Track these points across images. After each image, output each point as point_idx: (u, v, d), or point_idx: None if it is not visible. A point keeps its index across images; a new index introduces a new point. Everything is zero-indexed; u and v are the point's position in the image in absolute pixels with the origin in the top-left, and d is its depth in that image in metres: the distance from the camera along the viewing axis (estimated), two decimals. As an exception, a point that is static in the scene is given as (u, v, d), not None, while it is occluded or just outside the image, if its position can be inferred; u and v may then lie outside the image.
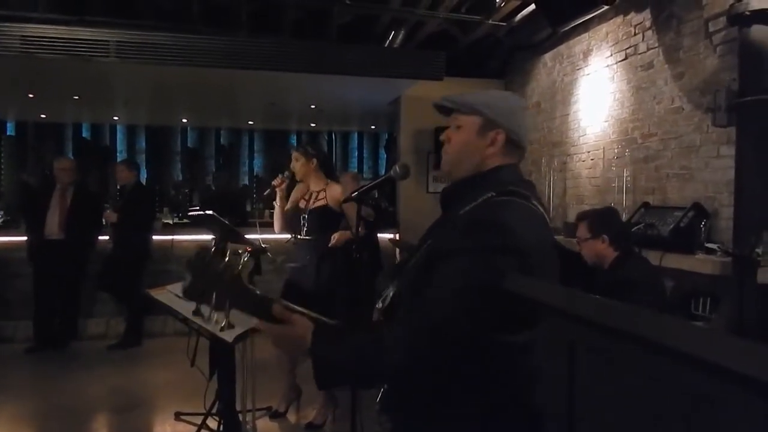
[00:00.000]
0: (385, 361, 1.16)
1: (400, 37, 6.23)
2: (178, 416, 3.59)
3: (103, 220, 5.49)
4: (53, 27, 4.74)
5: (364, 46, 5.88)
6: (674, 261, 3.42)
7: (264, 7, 5.72)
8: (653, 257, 3.41)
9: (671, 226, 3.54)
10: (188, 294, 1.32)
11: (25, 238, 5.34)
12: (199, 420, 3.22)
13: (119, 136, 11.46)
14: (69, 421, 3.75)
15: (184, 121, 10.56)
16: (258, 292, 1.26)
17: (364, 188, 1.93)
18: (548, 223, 1.35)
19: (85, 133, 11.43)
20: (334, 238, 3.45)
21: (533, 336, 1.22)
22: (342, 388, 3.44)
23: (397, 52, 5.99)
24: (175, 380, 4.28)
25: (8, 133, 10.94)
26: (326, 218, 3.51)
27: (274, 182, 3.53)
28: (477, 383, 1.22)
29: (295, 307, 1.26)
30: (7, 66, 5.20)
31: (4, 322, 5.46)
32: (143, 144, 11.51)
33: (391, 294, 1.38)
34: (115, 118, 10.23)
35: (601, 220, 2.77)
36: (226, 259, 3.11)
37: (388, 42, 6.25)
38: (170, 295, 1.74)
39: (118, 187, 5.90)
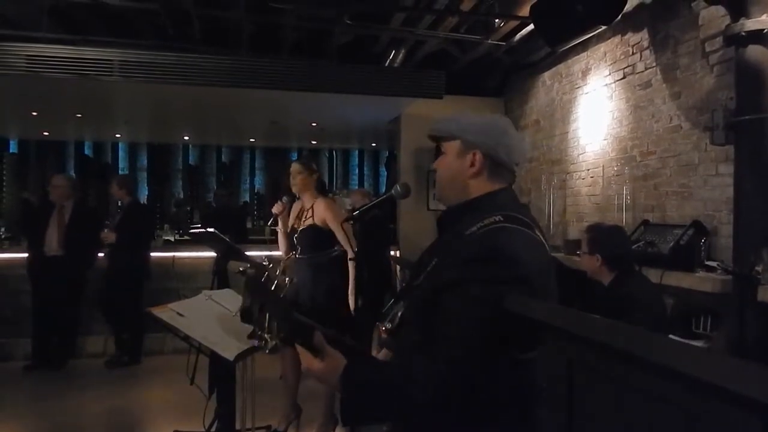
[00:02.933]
0: (416, 403, 1.16)
1: (400, 56, 6.31)
2: (176, 435, 3.56)
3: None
4: (58, 47, 4.80)
5: (364, 65, 5.95)
6: (674, 279, 3.42)
7: (265, 27, 5.80)
8: (653, 275, 3.41)
9: (671, 244, 3.54)
10: (244, 317, 1.32)
11: (26, 255, 5.34)
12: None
13: (121, 153, 11.54)
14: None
15: (186, 138, 10.63)
16: (300, 317, 1.25)
17: (365, 207, 1.94)
18: (544, 246, 1.36)
19: (87, 151, 11.51)
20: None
21: (535, 354, 1.23)
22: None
23: (397, 70, 6.05)
24: (174, 398, 4.25)
25: (11, 151, 11.02)
26: (315, 237, 3.50)
27: (275, 210, 3.55)
28: (486, 401, 1.22)
29: (333, 332, 1.25)
30: (12, 85, 5.25)
31: (2, 339, 5.43)
32: (145, 161, 11.58)
33: (399, 314, 1.39)
34: (117, 135, 10.30)
35: (600, 238, 2.76)
36: (276, 281, 3.15)
37: (388, 61, 6.32)
38: (172, 313, 1.74)
39: (119, 204, 5.90)
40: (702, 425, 0.72)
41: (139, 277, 5.33)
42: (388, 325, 1.39)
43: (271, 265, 3.12)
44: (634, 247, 3.67)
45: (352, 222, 2.08)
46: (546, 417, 1.09)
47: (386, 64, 6.29)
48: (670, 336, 2.94)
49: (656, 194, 4.21)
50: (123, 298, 5.22)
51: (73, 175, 10.25)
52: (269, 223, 3.58)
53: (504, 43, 5.76)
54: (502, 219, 1.27)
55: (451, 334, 1.19)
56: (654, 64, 4.26)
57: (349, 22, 5.43)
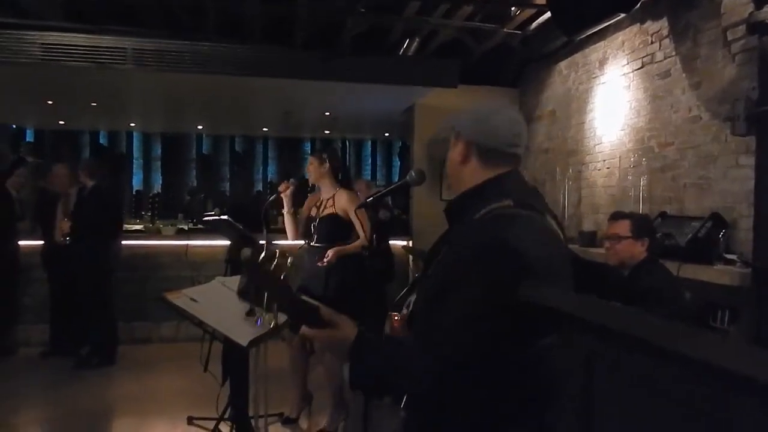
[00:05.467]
0: (412, 375, 1.19)
1: (414, 46, 6.25)
2: (190, 421, 3.59)
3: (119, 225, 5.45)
4: (73, 35, 4.81)
5: (377, 55, 5.90)
6: (692, 272, 3.36)
7: (279, 18, 5.77)
8: (671, 267, 3.35)
9: (689, 237, 3.49)
10: (242, 294, 1.40)
11: (41, 242, 5.39)
12: (211, 425, 3.22)
13: (135, 143, 11.59)
14: (82, 426, 3.77)
15: (199, 128, 10.66)
16: (304, 298, 1.30)
17: (379, 194, 1.92)
18: (556, 233, 1.31)
19: (103, 140, 11.58)
20: (328, 255, 3.42)
21: (548, 345, 1.20)
22: (355, 394, 3.43)
23: (411, 59, 6.00)
24: (188, 385, 4.29)
25: (27, 140, 11.11)
26: (335, 226, 3.51)
27: (280, 188, 3.54)
28: (494, 394, 1.21)
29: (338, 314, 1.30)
30: (27, 73, 5.29)
31: (21, 325, 5.50)
32: (159, 151, 11.63)
33: (411, 304, 1.39)
34: (132, 125, 10.36)
35: (646, 223, 2.75)
36: (275, 261, 3.15)
37: (401, 51, 6.26)
38: (186, 299, 1.75)
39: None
40: (735, 420, 0.69)
41: (101, 270, 4.92)
42: (405, 311, 1.39)
43: (274, 248, 3.11)
44: (651, 239, 3.62)
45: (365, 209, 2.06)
46: (565, 411, 1.07)
47: (402, 54, 6.23)
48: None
49: (674, 186, 4.14)
50: (84, 293, 4.90)
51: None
52: (270, 198, 3.56)
53: (519, 32, 5.69)
54: (511, 204, 1.25)
55: (445, 327, 1.18)
56: (673, 54, 4.18)
57: (362, 10, 5.38)
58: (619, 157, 4.81)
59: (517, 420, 1.22)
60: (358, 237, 3.54)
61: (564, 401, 1.08)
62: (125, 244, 5.51)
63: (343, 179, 3.72)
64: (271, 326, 1.13)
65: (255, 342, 1.74)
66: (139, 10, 5.15)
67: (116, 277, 5.20)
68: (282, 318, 1.58)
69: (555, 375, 1.15)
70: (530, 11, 5.26)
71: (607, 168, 5.03)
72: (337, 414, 3.61)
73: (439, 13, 5.49)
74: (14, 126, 10.37)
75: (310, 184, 3.68)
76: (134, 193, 11.06)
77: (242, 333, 1.68)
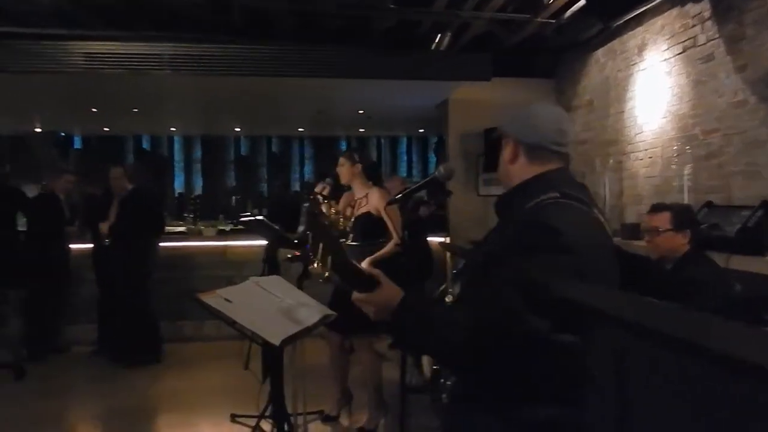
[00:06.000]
0: (449, 337, 1.24)
1: (446, 40, 6.18)
2: (233, 418, 3.66)
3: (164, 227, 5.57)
4: (112, 43, 4.97)
5: (409, 50, 5.87)
6: (742, 263, 3.22)
7: (308, 15, 5.80)
8: (718, 260, 3.22)
9: (738, 227, 3.34)
10: (300, 240, 1.53)
11: (91, 245, 5.56)
12: (253, 422, 3.27)
13: (176, 146, 11.90)
14: (129, 421, 3.89)
15: (237, 130, 10.86)
16: (354, 262, 1.39)
17: (408, 190, 1.91)
18: (602, 225, 1.35)
19: (145, 145, 11.93)
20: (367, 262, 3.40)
21: (575, 339, 1.19)
22: (392, 396, 3.43)
23: (442, 54, 5.94)
24: (231, 383, 4.37)
25: (75, 147, 11.55)
26: (369, 225, 3.51)
27: (316, 189, 3.57)
28: (532, 378, 1.24)
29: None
30: (71, 82, 5.48)
31: (72, 325, 5.70)
32: (199, 153, 11.90)
33: (456, 291, 1.47)
34: (172, 129, 10.63)
35: (687, 214, 2.65)
36: (332, 213, 3.23)
37: (433, 46, 6.21)
38: (220, 299, 1.78)
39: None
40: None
41: (141, 271, 5.03)
42: (449, 298, 1.45)
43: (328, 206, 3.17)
44: (696, 230, 3.49)
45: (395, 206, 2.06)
46: (594, 409, 1.03)
47: (431, 49, 6.18)
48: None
49: (720, 174, 3.98)
50: (124, 293, 5.01)
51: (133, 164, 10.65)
52: (309, 200, 3.59)
53: (554, 21, 5.55)
54: (558, 196, 1.30)
55: (488, 294, 1.24)
56: (716, 36, 4.00)
57: (392, 6, 5.36)
58: (661, 145, 4.65)
59: (548, 397, 1.24)
60: (392, 235, 3.53)
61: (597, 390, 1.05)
62: (169, 246, 5.65)
63: (375, 177, 3.71)
64: (325, 275, 1.24)
65: (288, 341, 1.76)
66: (170, 14, 5.25)
67: (158, 278, 5.34)
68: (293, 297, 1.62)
69: (585, 363, 1.13)
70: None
71: (649, 157, 4.87)
72: (377, 413, 3.62)
73: (470, 6, 5.42)
74: (63, 134, 10.80)
75: (343, 183, 3.69)
76: (176, 195, 11.36)
77: (275, 332, 1.70)
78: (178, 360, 5.24)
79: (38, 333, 5.20)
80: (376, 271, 1.33)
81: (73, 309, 5.69)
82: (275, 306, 1.84)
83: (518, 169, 1.41)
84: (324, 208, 3.51)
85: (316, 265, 1.36)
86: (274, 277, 2.16)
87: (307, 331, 1.85)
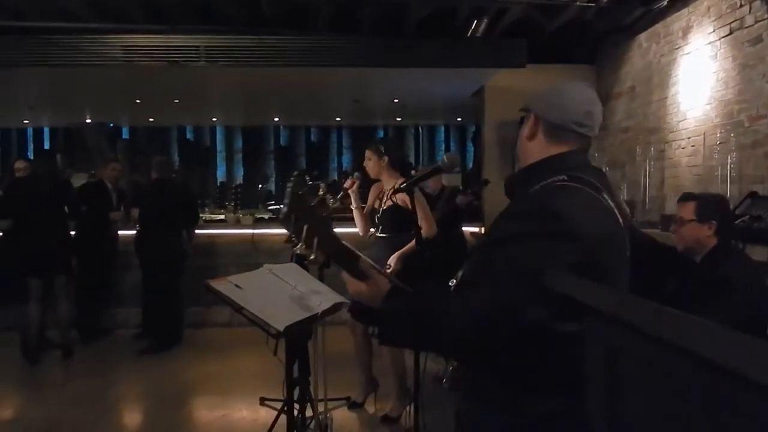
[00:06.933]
0: (443, 327, 1.20)
1: (482, 26, 6.06)
2: (262, 401, 3.73)
3: (198, 216, 5.70)
4: (149, 36, 5.10)
5: (442, 38, 5.79)
6: (785, 257, 3.06)
7: (343, 5, 5.79)
8: (760, 253, 3.08)
9: (782, 218, 3.17)
10: (283, 222, 1.50)
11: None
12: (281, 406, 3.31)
13: (218, 136, 12.15)
14: (165, 402, 4.04)
15: (276, 120, 11.00)
16: (345, 243, 1.36)
17: (412, 179, 1.88)
18: (611, 211, 1.28)
19: (189, 135, 12.24)
20: (389, 266, 3.36)
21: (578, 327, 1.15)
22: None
23: (476, 41, 5.83)
24: (261, 367, 4.45)
25: (123, 137, 11.97)
26: (397, 217, 3.48)
27: (346, 185, 3.55)
28: (534, 370, 1.21)
29: (379, 269, 1.36)
30: (113, 74, 5.67)
31: (118, 309, 5.91)
32: (240, 143, 12.13)
33: (460, 273, 1.43)
34: (214, 119, 10.86)
35: (713, 205, 2.50)
36: (320, 194, 3.21)
37: (470, 32, 6.10)
38: (230, 285, 1.81)
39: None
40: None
41: (171, 257, 5.16)
42: (452, 282, 1.42)
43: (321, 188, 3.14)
44: (737, 222, 3.33)
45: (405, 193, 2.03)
46: (589, 404, 1.00)
47: (468, 36, 6.08)
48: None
49: (767, 164, 3.77)
50: (154, 278, 5.17)
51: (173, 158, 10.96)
52: (338, 197, 3.59)
53: (593, 5, 5.37)
54: (566, 179, 1.25)
55: (483, 284, 1.19)
56: (766, 17, 3.78)
57: (426, -6, 5.29)
58: (705, 133, 4.44)
59: (549, 388, 1.20)
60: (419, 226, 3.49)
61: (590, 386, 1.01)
62: (206, 233, 5.78)
63: (403, 168, 3.67)
64: (311, 257, 1.21)
65: (294, 327, 1.77)
66: (208, 6, 5.33)
67: (195, 265, 5.44)
68: (306, 283, 1.62)
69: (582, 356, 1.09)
70: (604, -19, 4.95)
71: (692, 146, 4.67)
72: (401, 401, 3.62)
73: (506, -9, 5.30)
74: (111, 125, 11.19)
75: (373, 177, 3.65)
76: (218, 184, 11.63)
77: (281, 318, 1.72)
78: (215, 344, 5.37)
79: (88, 316, 5.43)
80: (368, 262, 1.31)
81: (120, 293, 5.90)
82: (286, 293, 1.86)
83: (535, 147, 1.35)
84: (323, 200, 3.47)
85: (299, 246, 1.34)
86: (289, 264, 2.18)
87: (315, 318, 1.86)
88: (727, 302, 2.23)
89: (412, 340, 1.42)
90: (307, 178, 3.50)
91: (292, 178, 3.21)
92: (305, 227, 1.29)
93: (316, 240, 1.28)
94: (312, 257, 1.27)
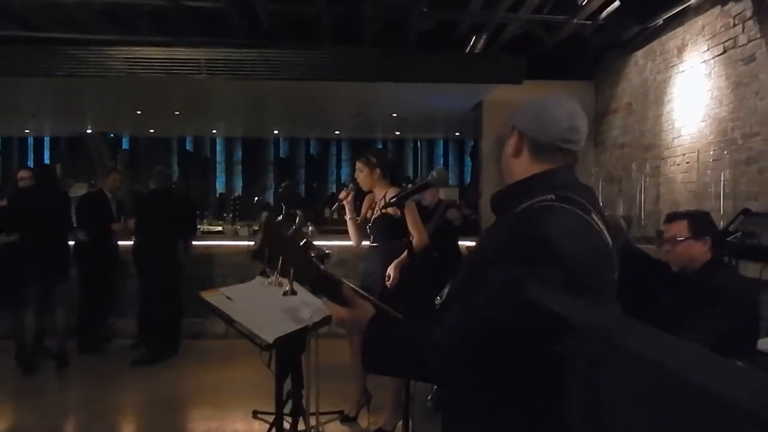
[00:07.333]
0: (428, 354, 1.18)
1: (482, 41, 6.13)
2: (255, 414, 3.72)
3: (197, 227, 5.73)
4: (151, 48, 5.16)
5: (441, 53, 5.86)
6: (778, 274, 3.08)
7: (345, 19, 5.86)
8: (753, 269, 3.10)
9: (774, 235, 3.19)
10: (256, 255, 1.44)
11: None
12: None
13: (218, 148, 12.20)
14: (162, 414, 4.02)
15: (276, 132, 11.05)
16: (323, 268, 1.34)
17: (403, 194, 1.90)
18: (599, 231, 1.26)
19: (189, 146, 12.29)
20: (389, 276, 3.40)
21: (573, 348, 1.15)
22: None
23: (474, 57, 5.90)
24: (257, 379, 4.43)
25: (124, 147, 12.02)
26: (388, 225, 3.50)
27: (340, 196, 3.57)
28: (516, 391, 1.19)
29: (363, 292, 1.33)
30: (115, 85, 5.72)
31: (115, 318, 5.88)
32: (240, 155, 12.18)
33: (446, 291, 1.40)
34: (214, 131, 10.91)
35: (705, 221, 2.54)
36: (295, 225, 3.20)
37: (469, 47, 6.16)
38: (222, 297, 1.82)
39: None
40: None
41: (168, 268, 5.19)
42: (439, 299, 1.41)
43: (298, 215, 3.12)
44: (729, 238, 3.35)
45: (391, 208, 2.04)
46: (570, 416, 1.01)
47: (468, 50, 6.14)
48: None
49: (761, 180, 3.80)
50: (150, 288, 5.23)
51: (173, 169, 11.00)
52: (332, 208, 3.62)
53: (591, 22, 5.44)
54: (553, 198, 1.21)
55: (467, 307, 1.18)
56: (758, 36, 3.83)
57: (425, 9, 5.36)
58: (699, 150, 4.48)
59: (532, 410, 1.19)
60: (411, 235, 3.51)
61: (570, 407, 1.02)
62: (205, 245, 5.80)
63: (394, 177, 3.69)
64: (288, 290, 1.16)
65: (283, 339, 1.78)
66: (211, 20, 5.40)
67: (191, 276, 5.44)
68: (298, 293, 1.63)
69: (566, 373, 1.10)
70: (600, 0, 5.01)
71: (687, 162, 4.70)
72: (396, 414, 3.61)
73: (505, 7, 5.36)
74: (112, 135, 11.25)
75: (365, 190, 3.67)
76: (218, 195, 11.65)
77: (271, 330, 1.73)
78: (212, 356, 5.36)
79: (88, 325, 5.43)
80: (349, 290, 1.29)
81: (120, 303, 5.90)
82: (277, 305, 1.87)
83: (520, 165, 1.31)
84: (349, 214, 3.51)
85: (274, 278, 1.31)
86: (257, 236, 2.19)
87: (306, 330, 1.88)
88: (719, 315, 2.26)
89: (397, 369, 1.38)
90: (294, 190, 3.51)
91: (280, 189, 3.22)
92: (281, 258, 1.26)
93: (292, 271, 1.26)
94: (287, 289, 1.22)
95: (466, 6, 5.42)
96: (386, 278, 3.40)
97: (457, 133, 10.72)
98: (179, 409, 4.19)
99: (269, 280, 1.20)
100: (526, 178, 1.30)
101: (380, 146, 11.66)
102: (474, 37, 6.14)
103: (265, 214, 3.33)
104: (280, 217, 2.83)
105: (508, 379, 1.18)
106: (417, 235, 3.40)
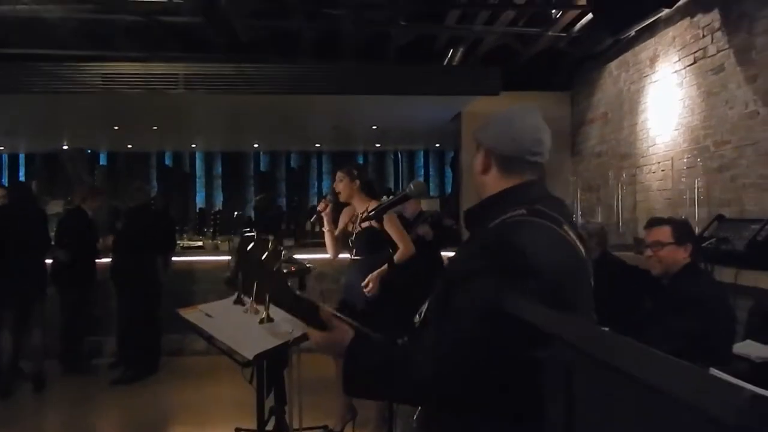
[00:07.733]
0: (411, 377, 1.18)
1: (459, 54, 6.20)
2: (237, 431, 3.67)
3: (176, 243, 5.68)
4: (128, 63, 5.12)
5: (418, 65, 5.91)
6: (752, 278, 3.13)
7: (324, 32, 5.89)
8: (727, 274, 3.16)
9: (747, 240, 3.26)
10: (230, 282, 1.41)
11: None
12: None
13: (198, 162, 12.11)
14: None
15: (256, 146, 11.01)
16: (299, 293, 1.29)
17: (381, 207, 1.91)
18: (572, 244, 1.27)
19: (168, 161, 12.18)
20: (369, 286, 3.39)
21: (549, 359, 1.16)
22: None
23: (451, 69, 5.97)
24: (239, 395, 4.38)
25: (101, 163, 11.87)
26: (372, 238, 3.51)
27: (319, 207, 3.57)
28: (499, 403, 1.20)
29: (341, 315, 1.31)
30: (92, 102, 5.66)
31: (95, 337, 5.77)
32: (219, 169, 12.10)
33: (425, 308, 1.41)
34: (193, 145, 10.84)
35: (687, 227, 2.61)
36: (268, 250, 3.16)
37: (447, 60, 6.23)
38: (201, 314, 1.80)
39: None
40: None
41: (146, 285, 5.15)
42: (417, 318, 1.41)
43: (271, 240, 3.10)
44: (705, 244, 3.41)
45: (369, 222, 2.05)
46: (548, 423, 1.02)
47: (446, 63, 6.21)
48: (748, 341, 2.70)
49: (733, 187, 3.89)
50: (128, 305, 5.18)
51: (152, 184, 10.89)
52: (311, 220, 3.62)
53: (565, 35, 5.54)
54: (525, 213, 1.23)
55: (446, 328, 1.18)
56: (727, 47, 3.94)
57: (403, 23, 5.41)
58: (673, 158, 4.57)
59: (515, 421, 1.19)
60: (397, 247, 3.51)
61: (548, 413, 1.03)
62: (186, 260, 5.73)
63: (372, 194, 3.70)
64: (264, 316, 1.14)
65: (262, 356, 1.77)
66: (189, 35, 5.38)
67: (171, 291, 5.37)
68: (276, 312, 1.61)
69: (545, 384, 1.11)
70: (573, 13, 5.11)
71: (662, 170, 4.80)
72: (381, 428, 3.60)
73: (481, 20, 5.44)
74: (89, 150, 11.09)
75: (342, 201, 3.67)
76: (198, 210, 11.54)
77: (250, 346, 1.71)
78: (192, 373, 5.29)
79: (68, 345, 5.31)
80: (329, 312, 1.29)
81: (98, 321, 5.79)
82: (257, 321, 1.85)
83: (490, 180, 1.34)
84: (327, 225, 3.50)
85: (249, 304, 1.29)
86: (229, 263, 2.18)
87: (287, 345, 1.86)
88: (697, 319, 2.30)
89: (377, 393, 1.38)
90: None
91: (255, 201, 3.20)
92: (255, 284, 1.24)
93: (267, 296, 1.24)
94: (263, 317, 1.20)
95: (443, 20, 5.49)
96: (364, 286, 3.39)
97: (438, 144, 10.80)
98: (160, 428, 4.13)
99: (245, 307, 1.18)
100: (498, 193, 1.32)
101: (361, 158, 11.68)
102: (452, 51, 6.22)
103: (237, 239, 3.28)
104: (252, 243, 2.80)
105: (489, 392, 1.18)
106: (403, 245, 3.41)
